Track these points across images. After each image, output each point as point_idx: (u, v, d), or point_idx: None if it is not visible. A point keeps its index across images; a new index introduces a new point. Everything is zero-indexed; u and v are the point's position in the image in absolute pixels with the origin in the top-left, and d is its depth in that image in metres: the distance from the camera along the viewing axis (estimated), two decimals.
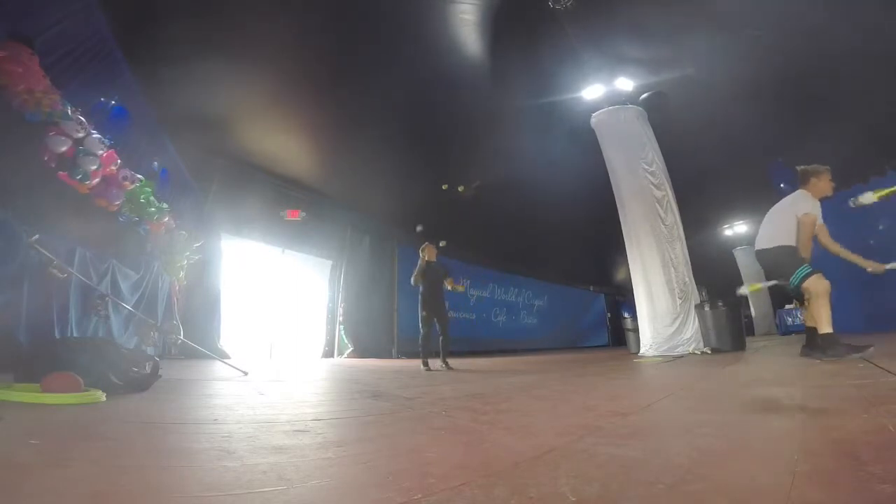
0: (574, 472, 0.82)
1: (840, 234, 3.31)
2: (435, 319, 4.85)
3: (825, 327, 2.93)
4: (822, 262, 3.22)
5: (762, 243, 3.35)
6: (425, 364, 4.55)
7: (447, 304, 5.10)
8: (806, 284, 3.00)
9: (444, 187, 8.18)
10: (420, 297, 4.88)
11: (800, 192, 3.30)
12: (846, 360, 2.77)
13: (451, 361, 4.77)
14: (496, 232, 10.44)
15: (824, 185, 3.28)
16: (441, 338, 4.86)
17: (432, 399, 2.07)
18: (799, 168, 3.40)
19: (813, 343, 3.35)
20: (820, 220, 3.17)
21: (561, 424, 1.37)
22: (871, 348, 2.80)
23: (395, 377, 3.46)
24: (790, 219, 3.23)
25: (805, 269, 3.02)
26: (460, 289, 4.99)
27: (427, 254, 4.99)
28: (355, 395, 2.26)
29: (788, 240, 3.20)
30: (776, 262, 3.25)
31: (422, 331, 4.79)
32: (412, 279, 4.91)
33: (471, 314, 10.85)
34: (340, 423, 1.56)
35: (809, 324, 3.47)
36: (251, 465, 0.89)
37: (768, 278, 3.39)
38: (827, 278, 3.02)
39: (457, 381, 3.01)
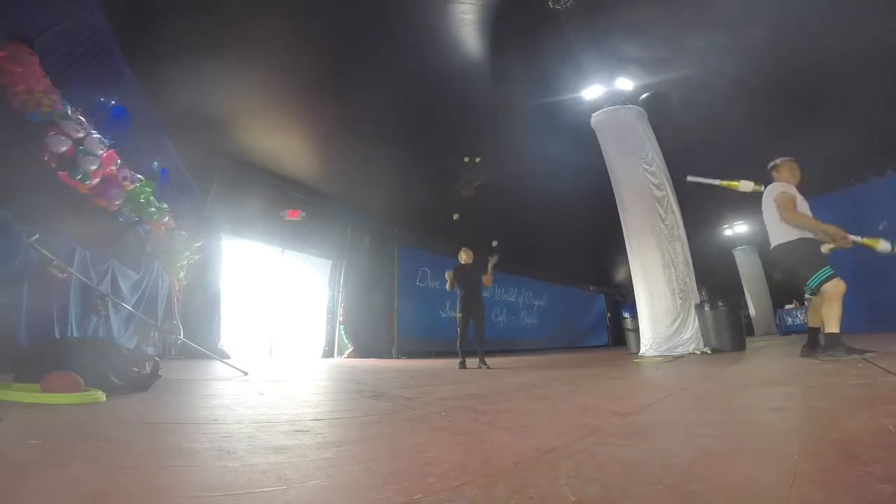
0: (574, 472, 0.82)
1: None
2: (472, 321, 4.92)
3: (833, 327, 2.99)
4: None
5: (778, 238, 3.37)
6: (462, 364, 4.57)
7: (485, 306, 5.18)
8: (825, 287, 3.04)
9: (467, 160, 8.08)
10: (458, 299, 4.98)
11: (773, 184, 3.47)
12: (846, 360, 2.79)
13: (452, 360, 4.78)
14: (496, 232, 10.41)
15: (787, 173, 3.47)
16: (477, 338, 4.93)
17: (432, 399, 2.07)
18: (770, 164, 3.60)
19: (814, 343, 3.37)
20: (795, 196, 3.29)
21: (561, 424, 1.37)
22: (873, 353, 2.82)
23: (395, 377, 3.46)
24: (775, 208, 3.32)
25: (827, 271, 3.05)
26: (488, 283, 5.15)
27: (464, 257, 5.10)
28: (355, 395, 2.26)
29: (801, 232, 3.23)
30: (798, 254, 3.25)
31: (458, 332, 4.87)
32: (447, 285, 5.03)
33: None
34: (340, 423, 1.56)
35: (812, 324, 3.49)
36: (251, 465, 0.89)
37: (785, 272, 3.44)
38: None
39: (457, 381, 3.01)
